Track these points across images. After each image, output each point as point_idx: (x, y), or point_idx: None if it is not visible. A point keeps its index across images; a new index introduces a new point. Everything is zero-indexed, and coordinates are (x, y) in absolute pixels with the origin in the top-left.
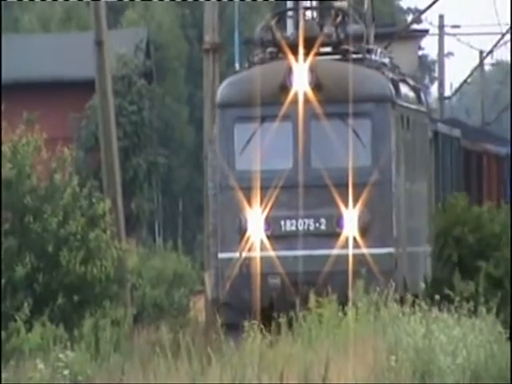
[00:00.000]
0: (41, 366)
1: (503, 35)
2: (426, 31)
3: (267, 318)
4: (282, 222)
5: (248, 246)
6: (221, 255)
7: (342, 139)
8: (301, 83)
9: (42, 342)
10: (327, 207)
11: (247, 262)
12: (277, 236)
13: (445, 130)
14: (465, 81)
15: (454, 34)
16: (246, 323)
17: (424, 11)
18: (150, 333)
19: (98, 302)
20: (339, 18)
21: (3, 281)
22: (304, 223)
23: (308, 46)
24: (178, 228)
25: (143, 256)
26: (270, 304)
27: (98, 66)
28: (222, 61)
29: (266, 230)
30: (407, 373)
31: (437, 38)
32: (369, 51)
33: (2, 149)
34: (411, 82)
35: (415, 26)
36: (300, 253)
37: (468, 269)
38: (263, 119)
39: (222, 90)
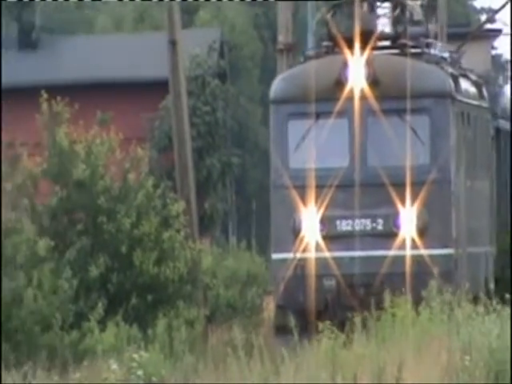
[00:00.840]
0: (114, 366)
1: None
2: (499, 31)
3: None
4: (338, 222)
5: (302, 247)
6: (274, 256)
7: (399, 136)
8: (357, 78)
9: (115, 342)
10: (384, 207)
11: (302, 263)
12: (332, 236)
13: (507, 126)
14: None
15: None
16: (320, 324)
17: (498, 11)
18: (223, 333)
19: (172, 302)
20: (397, 11)
21: (76, 282)
22: (360, 223)
23: (364, 40)
24: (252, 228)
25: (217, 256)
26: (325, 307)
27: (171, 66)
28: (296, 60)
29: (322, 230)
30: (481, 373)
31: (509, 37)
32: (428, 45)
33: (77, 149)
34: (473, 77)
35: (489, 26)
36: (356, 254)
37: None
38: (318, 115)
39: (276, 86)
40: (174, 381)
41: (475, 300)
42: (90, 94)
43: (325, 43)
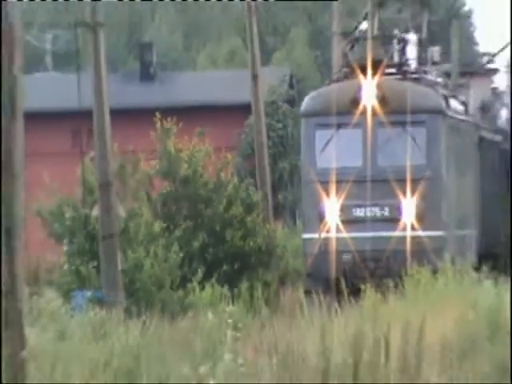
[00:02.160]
0: (210, 316)
1: None
2: (496, 70)
3: (340, 287)
4: (353, 210)
5: (326, 229)
6: (305, 236)
7: (402, 143)
8: (369, 98)
9: (211, 298)
10: (390, 198)
11: (325, 241)
12: (349, 221)
13: (488, 136)
14: None
15: None
16: (362, 286)
17: (495, 55)
18: (291, 292)
19: (253, 268)
20: (401, 45)
21: (182, 254)
22: (371, 210)
23: (375, 68)
24: None
25: (287, 234)
26: (343, 275)
27: (253, 94)
28: None
29: (340, 215)
30: (483, 323)
31: (504, 74)
32: (425, 72)
33: (181, 155)
34: (461, 98)
35: (489, 66)
36: (368, 234)
37: None
38: (339, 126)
39: (306, 103)
40: (254, 327)
41: (477, 269)
42: (192, 114)
43: (344, 69)
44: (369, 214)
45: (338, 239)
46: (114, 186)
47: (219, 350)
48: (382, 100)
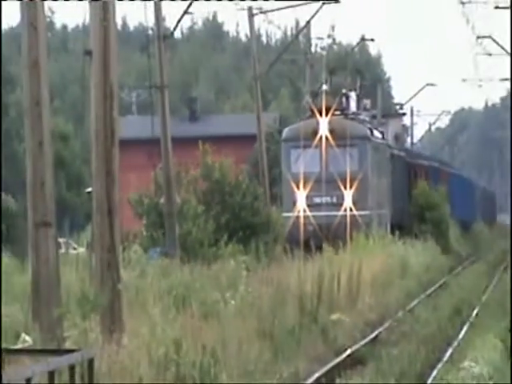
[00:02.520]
0: (232, 262)
1: (439, 115)
2: (405, 113)
3: (307, 246)
4: (314, 198)
5: (297, 210)
6: (284, 214)
7: (344, 157)
8: (323, 129)
9: (232, 252)
10: (337, 190)
11: (297, 218)
12: (311, 205)
13: (396, 152)
14: (421, 137)
15: (418, 115)
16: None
17: (403, 104)
18: (282, 248)
19: (258, 234)
20: (343, 98)
21: (214, 225)
22: (325, 199)
23: (327, 111)
24: None
25: (278, 213)
26: (308, 239)
27: (258, 129)
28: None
29: (306, 201)
30: (396, 266)
31: (409, 116)
32: (358, 114)
33: (215, 165)
34: (380, 129)
35: (400, 111)
36: (323, 213)
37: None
38: (305, 147)
39: (285, 132)
40: (260, 269)
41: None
42: (221, 141)
43: (309, 112)
44: (324, 200)
45: (304, 217)
46: (174, 184)
47: (237, 283)
48: (331, 131)
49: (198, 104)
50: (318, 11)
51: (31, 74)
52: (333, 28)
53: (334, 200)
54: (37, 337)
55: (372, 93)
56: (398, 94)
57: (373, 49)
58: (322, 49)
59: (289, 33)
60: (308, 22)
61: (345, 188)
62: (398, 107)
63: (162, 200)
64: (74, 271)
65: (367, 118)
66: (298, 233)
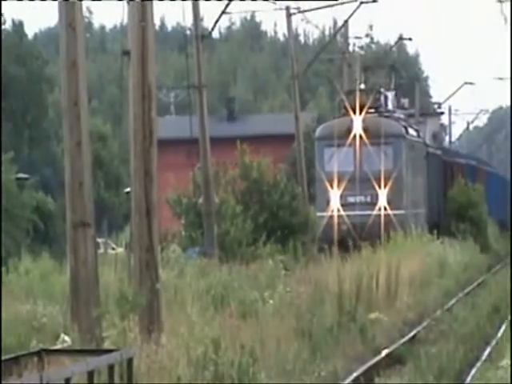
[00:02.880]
0: (270, 262)
1: (477, 114)
2: (442, 112)
3: (341, 246)
4: (348, 197)
5: (331, 209)
6: (318, 214)
7: (379, 156)
8: (357, 128)
9: (270, 252)
10: (371, 189)
11: (330, 217)
12: (345, 204)
13: (432, 150)
14: (459, 136)
15: (456, 114)
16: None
17: (441, 104)
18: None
19: (296, 233)
20: (378, 94)
21: (252, 225)
22: (359, 198)
23: (361, 109)
24: None
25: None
26: (342, 238)
27: (296, 128)
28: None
29: (340, 201)
30: (434, 265)
31: (447, 115)
32: (393, 111)
33: (253, 164)
34: (415, 127)
35: (438, 110)
36: (357, 213)
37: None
38: (338, 145)
39: (319, 131)
40: (298, 268)
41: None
42: (259, 141)
43: (343, 110)
44: (357, 200)
45: (338, 216)
46: (212, 184)
47: (275, 282)
48: (365, 129)
49: (236, 104)
50: (355, 10)
51: (69, 75)
52: (371, 27)
53: (368, 199)
54: (76, 337)
55: (410, 92)
56: (436, 93)
57: (411, 48)
58: (360, 48)
59: (326, 32)
60: (346, 22)
61: (379, 187)
62: (436, 106)
63: (201, 200)
64: (112, 271)
65: (402, 116)
66: (332, 232)
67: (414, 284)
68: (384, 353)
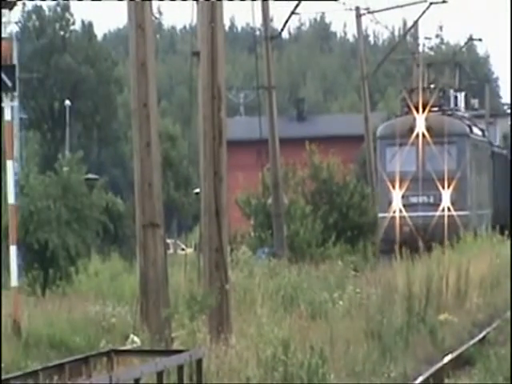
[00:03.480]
0: (340, 263)
1: None
2: None
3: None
4: (411, 198)
5: (393, 210)
6: (380, 215)
7: (441, 155)
8: (420, 126)
9: (340, 252)
10: (434, 190)
11: (392, 218)
12: (408, 205)
13: (498, 150)
14: None
15: None
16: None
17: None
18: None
19: (365, 234)
20: (441, 93)
21: (322, 225)
22: (422, 198)
23: (424, 107)
24: None
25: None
26: (404, 240)
27: (365, 129)
28: None
29: (402, 201)
30: (504, 266)
31: None
32: (456, 110)
33: (322, 165)
34: (480, 126)
35: (508, 110)
36: (420, 214)
37: None
38: (401, 145)
39: (380, 130)
40: (367, 269)
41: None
42: (329, 141)
43: (405, 109)
44: (420, 200)
45: (400, 217)
46: (281, 185)
47: (345, 283)
48: (428, 128)
49: (306, 104)
50: (425, 11)
51: (139, 76)
52: (441, 28)
53: (431, 200)
54: (145, 337)
55: (480, 93)
56: (507, 94)
57: (481, 49)
58: (430, 49)
59: (396, 33)
60: (416, 22)
61: (442, 187)
62: (506, 107)
63: (270, 200)
64: (182, 272)
65: (467, 115)
66: (394, 234)
67: (484, 285)
68: (454, 354)
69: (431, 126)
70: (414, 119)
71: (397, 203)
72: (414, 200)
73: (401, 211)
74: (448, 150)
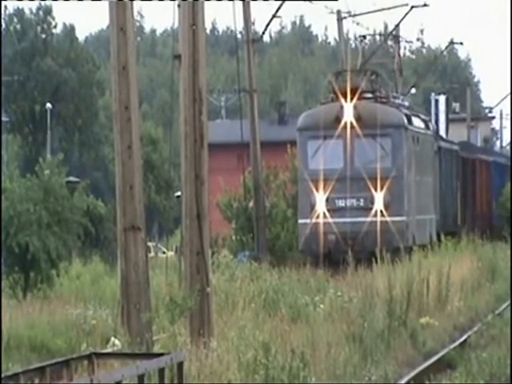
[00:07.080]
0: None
1: None
2: (494, 117)
3: (327, 260)
4: (336, 201)
5: (315, 215)
6: (300, 221)
7: (373, 150)
8: (348, 116)
9: None
10: (364, 191)
11: (315, 225)
12: (333, 209)
13: (446, 145)
14: None
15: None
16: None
17: (492, 108)
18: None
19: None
20: (373, 76)
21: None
22: (350, 201)
23: (353, 93)
24: None
25: None
26: (328, 251)
27: None
28: None
29: (326, 205)
30: (485, 269)
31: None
32: (394, 97)
33: None
34: (422, 117)
35: (489, 114)
36: (347, 220)
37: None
38: (325, 137)
39: (301, 120)
40: (348, 272)
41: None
42: None
43: (330, 95)
44: (348, 204)
45: (324, 223)
46: (262, 188)
47: (326, 287)
48: (358, 117)
49: (287, 107)
50: (406, 14)
51: (120, 79)
52: (422, 31)
53: (361, 203)
54: (126, 340)
55: (461, 96)
56: (488, 98)
57: (462, 52)
58: (411, 52)
59: (377, 37)
60: (397, 26)
61: (374, 188)
62: (487, 111)
63: (251, 204)
64: (163, 275)
65: (406, 103)
66: (317, 244)
67: (465, 288)
68: (435, 357)
69: (361, 115)
70: (341, 107)
71: (320, 207)
72: (340, 203)
73: (325, 216)
74: (381, 143)
